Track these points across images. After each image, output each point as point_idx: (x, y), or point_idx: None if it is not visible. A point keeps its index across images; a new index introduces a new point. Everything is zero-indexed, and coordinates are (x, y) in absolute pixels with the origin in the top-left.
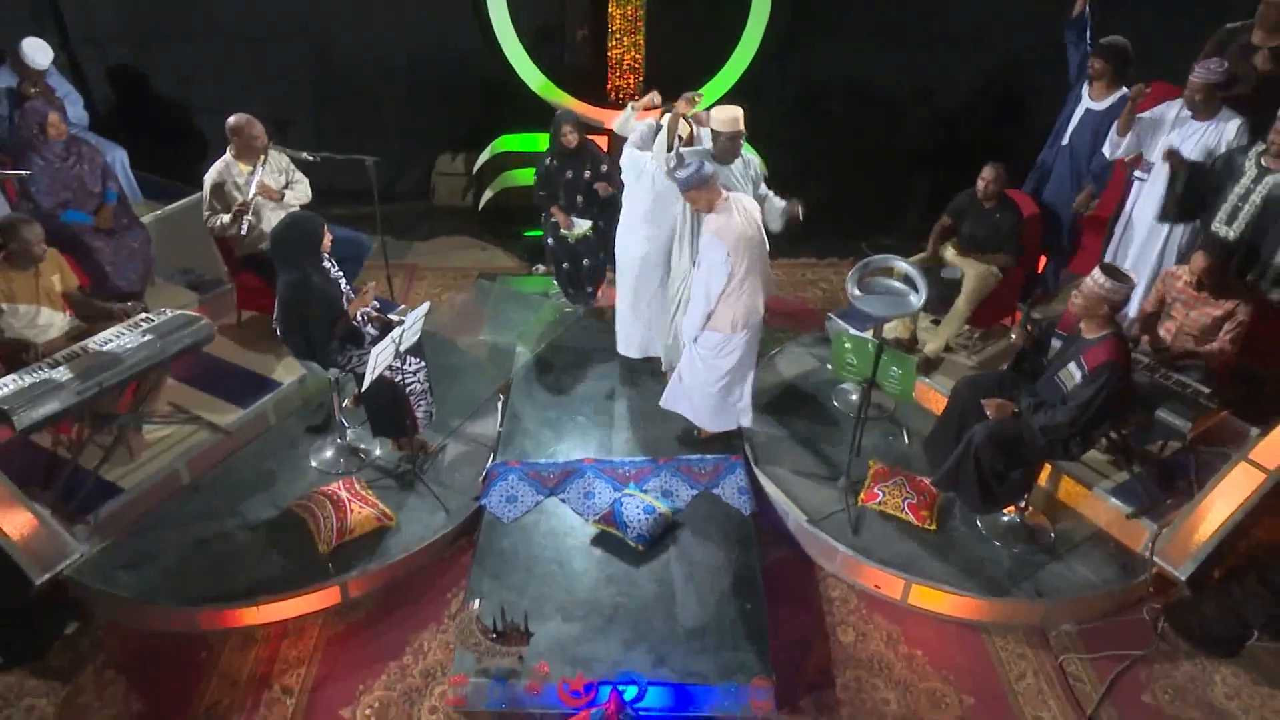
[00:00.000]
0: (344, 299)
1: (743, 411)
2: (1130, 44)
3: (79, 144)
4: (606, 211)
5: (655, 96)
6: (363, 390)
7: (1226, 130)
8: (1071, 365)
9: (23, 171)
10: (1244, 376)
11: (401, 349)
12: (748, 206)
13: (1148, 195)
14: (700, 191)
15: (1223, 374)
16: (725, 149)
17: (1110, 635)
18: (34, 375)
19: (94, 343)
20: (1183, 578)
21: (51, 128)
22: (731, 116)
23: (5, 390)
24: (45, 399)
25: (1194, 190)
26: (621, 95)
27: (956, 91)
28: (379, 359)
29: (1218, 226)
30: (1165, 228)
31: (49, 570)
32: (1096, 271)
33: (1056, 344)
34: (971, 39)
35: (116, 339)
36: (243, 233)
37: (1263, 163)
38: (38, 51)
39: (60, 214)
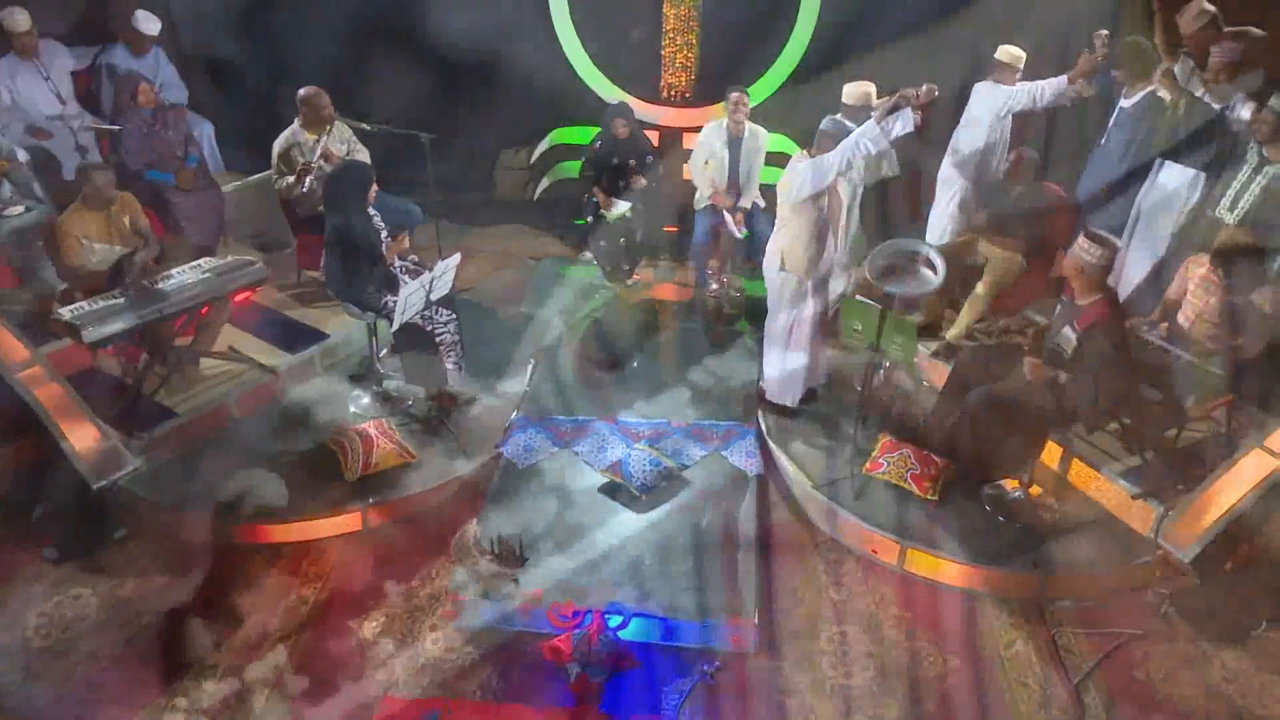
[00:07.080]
0: (383, 246)
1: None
2: None
3: (166, 112)
4: (645, 196)
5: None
6: (393, 329)
7: (1242, 110)
8: (1066, 329)
9: (113, 127)
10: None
11: (432, 297)
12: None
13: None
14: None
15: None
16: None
17: (1110, 615)
18: (105, 301)
19: (160, 277)
20: (1186, 559)
21: (141, 95)
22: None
23: (79, 310)
24: (112, 319)
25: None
26: (673, 92)
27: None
28: (409, 301)
29: (1220, 213)
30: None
31: (105, 478)
32: (1081, 238)
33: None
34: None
35: (179, 275)
36: (304, 191)
37: (1264, 153)
38: (149, 21)
39: (145, 173)
